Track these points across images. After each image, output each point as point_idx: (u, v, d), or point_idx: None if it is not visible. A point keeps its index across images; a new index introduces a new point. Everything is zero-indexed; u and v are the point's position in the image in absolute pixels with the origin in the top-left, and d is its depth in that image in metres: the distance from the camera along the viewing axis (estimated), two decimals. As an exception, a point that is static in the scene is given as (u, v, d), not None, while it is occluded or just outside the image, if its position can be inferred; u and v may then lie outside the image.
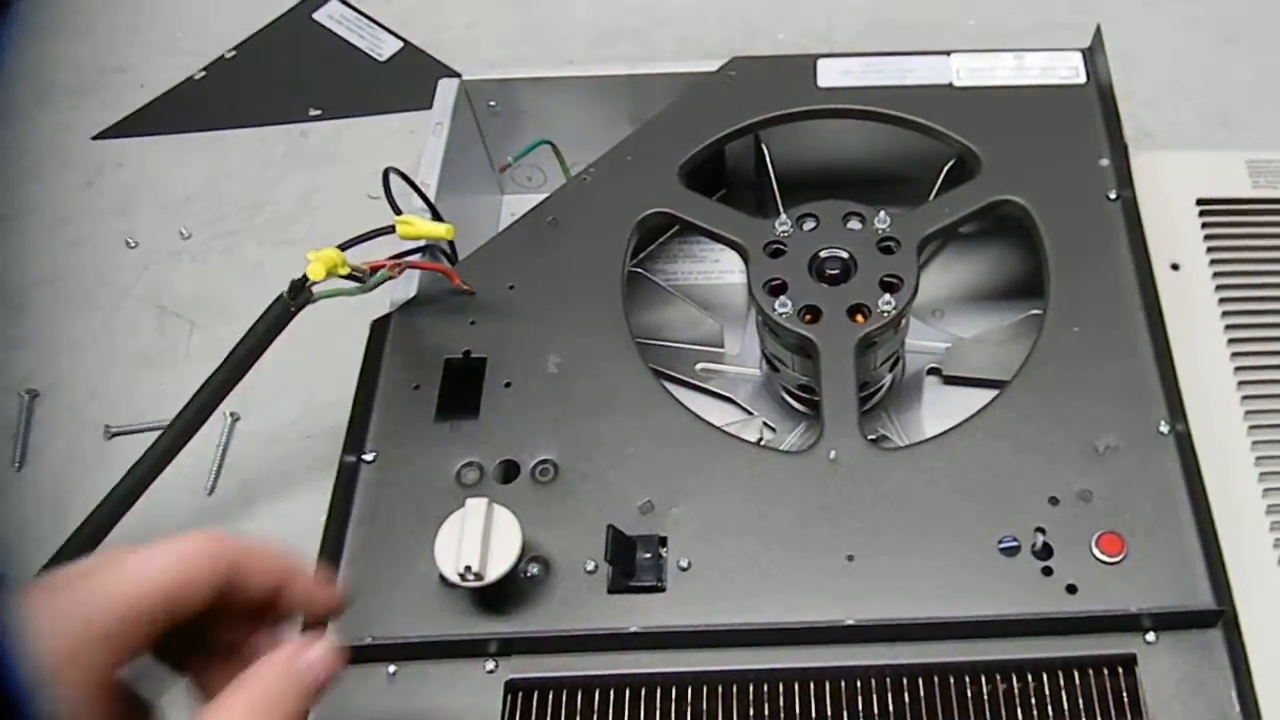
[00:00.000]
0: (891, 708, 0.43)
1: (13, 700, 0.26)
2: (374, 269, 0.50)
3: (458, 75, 0.66)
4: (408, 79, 0.85)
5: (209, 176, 0.80)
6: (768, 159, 0.62)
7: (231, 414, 0.65)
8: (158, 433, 0.54)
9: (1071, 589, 0.44)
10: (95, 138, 0.84)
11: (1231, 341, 0.53)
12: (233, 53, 0.89)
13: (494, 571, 0.43)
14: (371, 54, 0.88)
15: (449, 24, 0.88)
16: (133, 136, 0.84)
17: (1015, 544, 0.45)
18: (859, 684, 0.44)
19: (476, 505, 0.44)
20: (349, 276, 0.48)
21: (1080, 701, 0.43)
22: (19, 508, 0.63)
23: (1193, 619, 0.43)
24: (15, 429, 0.67)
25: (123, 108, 0.85)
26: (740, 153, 0.65)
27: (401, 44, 0.88)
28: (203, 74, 0.87)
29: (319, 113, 0.84)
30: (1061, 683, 0.43)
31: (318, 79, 0.87)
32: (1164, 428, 0.48)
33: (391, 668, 0.45)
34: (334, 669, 0.34)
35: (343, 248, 0.49)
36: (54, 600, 0.31)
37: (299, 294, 0.49)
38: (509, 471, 0.49)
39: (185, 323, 0.72)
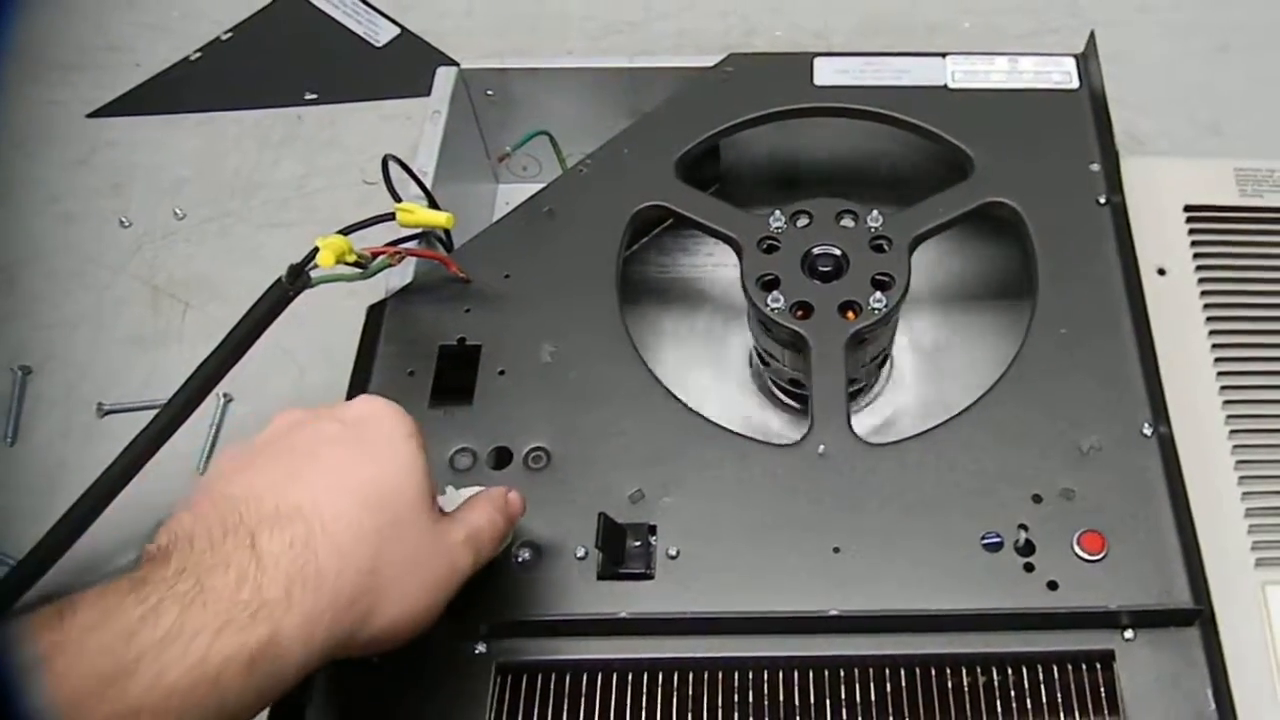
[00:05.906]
0: (874, 697, 0.44)
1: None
2: (374, 255, 0.50)
3: (455, 63, 0.66)
4: (404, 65, 0.85)
5: (204, 158, 0.80)
6: (763, 155, 0.63)
7: (225, 395, 0.66)
8: (151, 412, 0.54)
9: (1052, 585, 0.45)
10: (89, 116, 0.83)
11: (1215, 346, 0.54)
12: (228, 34, 0.89)
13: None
14: (368, 39, 0.88)
15: (447, 10, 0.89)
16: (127, 115, 0.83)
17: (998, 540, 0.46)
18: (842, 673, 0.45)
19: (467, 491, 0.44)
20: (352, 264, 0.48)
21: (1059, 695, 0.44)
22: (11, 482, 0.63)
23: (1171, 617, 0.44)
24: (8, 404, 0.67)
25: (117, 86, 0.85)
26: (735, 147, 0.65)
27: (398, 30, 0.88)
28: (198, 55, 0.87)
29: (314, 97, 0.84)
30: (1041, 676, 0.44)
31: (314, 63, 0.87)
32: (1147, 430, 0.48)
33: (382, 649, 0.45)
34: (523, 509, 0.46)
35: (342, 234, 0.49)
36: None
37: (297, 278, 0.49)
38: (502, 458, 0.50)
39: (179, 303, 0.72)
